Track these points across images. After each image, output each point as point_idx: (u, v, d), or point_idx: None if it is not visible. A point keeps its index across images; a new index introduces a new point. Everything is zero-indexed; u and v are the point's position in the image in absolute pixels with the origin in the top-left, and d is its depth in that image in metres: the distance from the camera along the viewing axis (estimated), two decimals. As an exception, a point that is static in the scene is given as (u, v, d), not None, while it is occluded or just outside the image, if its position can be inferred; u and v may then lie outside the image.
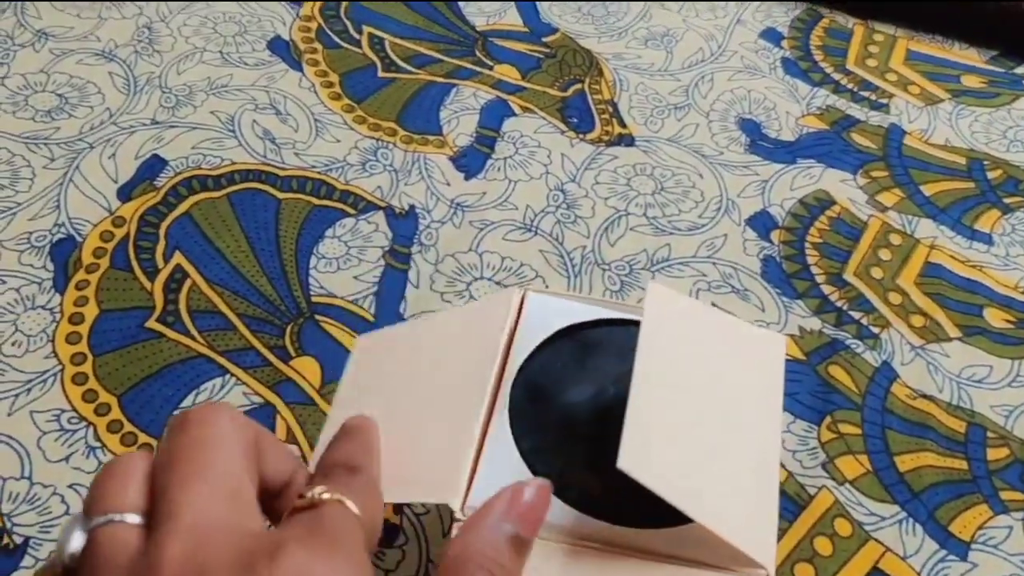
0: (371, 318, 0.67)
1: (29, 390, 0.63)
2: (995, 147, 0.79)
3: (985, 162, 0.78)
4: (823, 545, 0.58)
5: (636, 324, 0.46)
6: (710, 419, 0.45)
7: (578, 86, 0.82)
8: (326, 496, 0.35)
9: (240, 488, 0.34)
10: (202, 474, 0.33)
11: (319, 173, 0.75)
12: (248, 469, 0.35)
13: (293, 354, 0.65)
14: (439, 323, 0.51)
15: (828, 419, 0.63)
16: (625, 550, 0.43)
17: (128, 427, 0.61)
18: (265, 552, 0.31)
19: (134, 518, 0.32)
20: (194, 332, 0.66)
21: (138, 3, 0.87)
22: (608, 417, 0.45)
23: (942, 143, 0.80)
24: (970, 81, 0.84)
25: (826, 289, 0.70)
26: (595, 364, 0.48)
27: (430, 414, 0.46)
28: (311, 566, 0.31)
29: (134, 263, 0.69)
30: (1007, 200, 0.76)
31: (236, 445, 0.35)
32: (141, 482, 0.33)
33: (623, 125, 0.80)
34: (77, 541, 0.32)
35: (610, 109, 0.81)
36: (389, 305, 0.67)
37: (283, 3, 0.89)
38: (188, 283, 0.68)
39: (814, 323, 0.68)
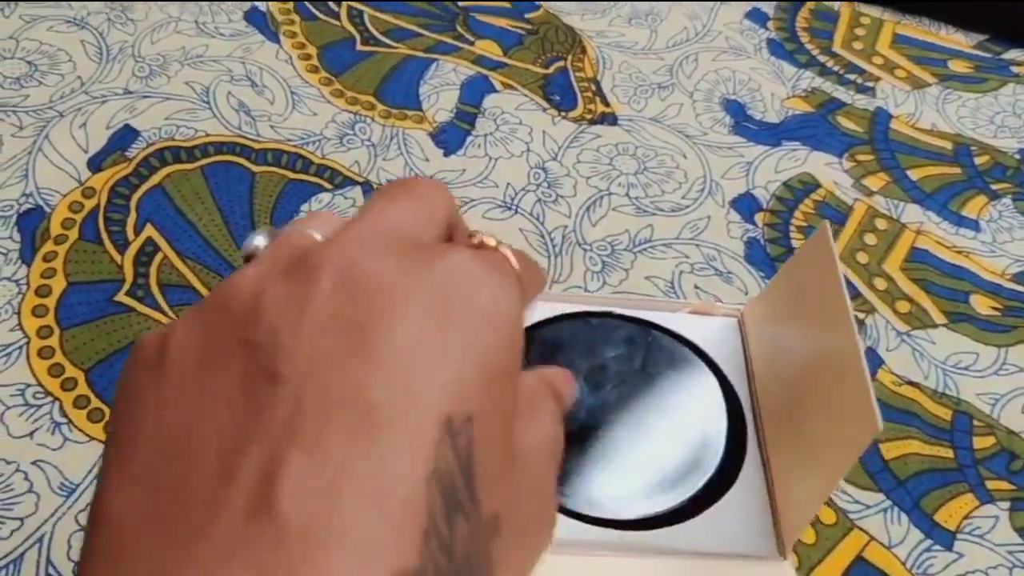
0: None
1: (-7, 364, 0.61)
2: (982, 132, 0.78)
3: (972, 147, 0.77)
4: (806, 534, 0.57)
5: (596, 316, 0.45)
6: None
7: (560, 63, 0.81)
8: (492, 242, 0.33)
9: (431, 229, 0.32)
10: (401, 202, 0.31)
11: (295, 147, 0.73)
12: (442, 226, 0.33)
13: (267, 331, 0.63)
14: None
15: (812, 405, 0.62)
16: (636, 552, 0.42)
17: (95, 402, 0.60)
18: (431, 247, 0.29)
19: (320, 233, 0.30)
20: (164, 306, 0.64)
21: (111, -30, 0.85)
22: (589, 418, 0.45)
23: (929, 128, 0.79)
24: (957, 66, 0.83)
25: (811, 273, 0.69)
26: (565, 362, 0.47)
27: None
28: (475, 269, 0.29)
29: (104, 235, 0.67)
30: (994, 186, 0.75)
31: (444, 204, 0.33)
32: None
33: (606, 104, 0.78)
34: (260, 239, 0.32)
35: (593, 87, 0.79)
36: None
37: (260, -27, 0.87)
38: (159, 256, 0.66)
39: (799, 307, 0.67)
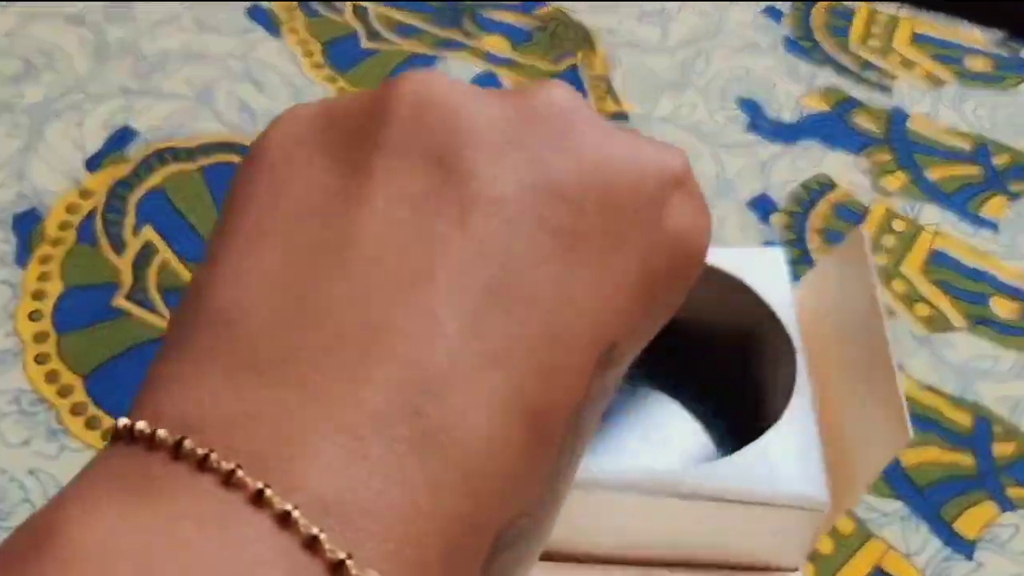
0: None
1: (-13, 369, 0.60)
2: (1001, 132, 0.77)
3: (991, 147, 0.76)
4: (824, 543, 0.56)
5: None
6: None
7: (571, 60, 0.80)
8: None
9: None
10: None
11: (298, 146, 0.72)
12: None
13: (268, 335, 0.62)
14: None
15: (829, 411, 0.61)
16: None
17: (93, 410, 0.58)
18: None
19: None
20: (163, 310, 0.63)
21: (112, -33, 0.84)
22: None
23: (947, 127, 0.77)
24: (976, 64, 0.82)
25: (827, 275, 0.67)
26: None
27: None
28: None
29: (101, 237, 0.66)
30: (1013, 187, 0.73)
31: None
32: None
33: (617, 102, 0.77)
34: None
35: (604, 85, 0.78)
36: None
37: (264, -30, 0.86)
38: (158, 259, 0.65)
39: (814, 310, 0.65)
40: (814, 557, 0.55)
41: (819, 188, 0.72)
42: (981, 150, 0.75)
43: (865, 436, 0.40)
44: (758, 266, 0.47)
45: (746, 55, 0.81)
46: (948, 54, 0.83)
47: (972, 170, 0.74)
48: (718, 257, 0.48)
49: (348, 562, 0.17)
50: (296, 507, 0.17)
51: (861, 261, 0.43)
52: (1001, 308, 0.66)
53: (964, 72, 0.81)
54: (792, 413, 0.43)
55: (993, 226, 0.71)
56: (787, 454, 0.41)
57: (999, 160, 0.75)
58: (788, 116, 0.77)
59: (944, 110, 0.78)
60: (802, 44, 0.83)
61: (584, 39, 0.82)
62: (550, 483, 0.21)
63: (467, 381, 0.19)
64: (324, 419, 0.18)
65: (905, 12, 0.86)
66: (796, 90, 0.79)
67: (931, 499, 0.58)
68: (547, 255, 0.21)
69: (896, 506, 0.57)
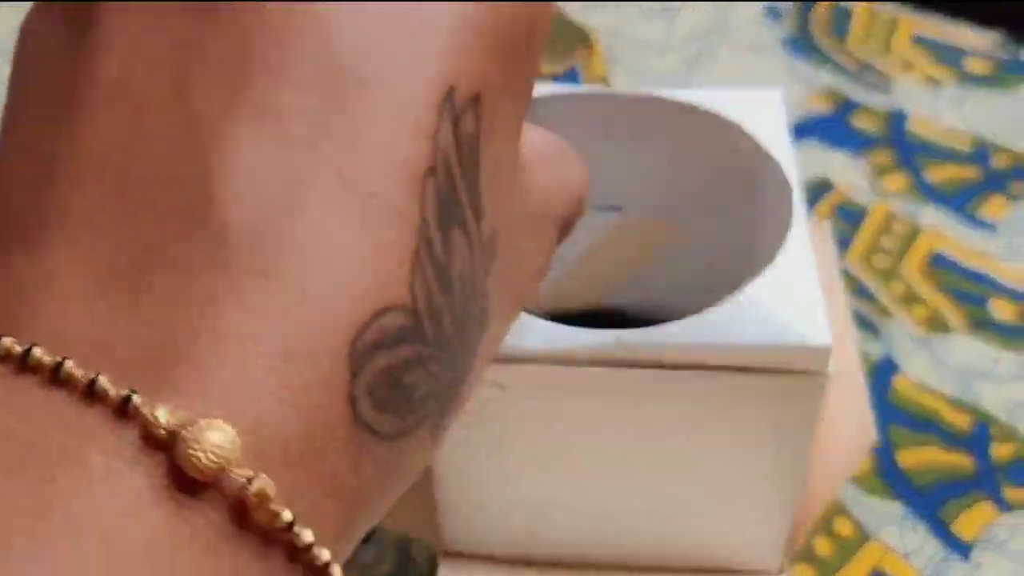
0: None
1: None
2: (1001, 133, 0.77)
3: (990, 148, 0.76)
4: (822, 545, 0.56)
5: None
6: None
7: (569, 60, 0.80)
8: None
9: None
10: None
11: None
12: None
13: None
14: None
15: (828, 412, 0.61)
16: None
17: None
18: None
19: None
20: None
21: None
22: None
23: (946, 128, 0.77)
24: (975, 65, 0.82)
25: (826, 276, 0.67)
26: None
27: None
28: None
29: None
30: (1013, 188, 0.73)
31: None
32: None
33: (617, 103, 0.77)
34: None
35: (603, 85, 0.78)
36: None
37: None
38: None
39: (813, 311, 0.65)
40: (812, 559, 0.55)
41: (818, 189, 0.72)
42: (980, 151, 0.75)
43: (834, 436, 0.40)
44: (754, 109, 0.46)
45: (746, 55, 0.82)
46: (948, 55, 0.83)
47: (971, 171, 0.74)
48: (713, 99, 0.46)
49: (135, 398, 0.16)
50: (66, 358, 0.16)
51: (826, 252, 0.42)
52: (1000, 310, 0.66)
53: (964, 73, 0.81)
54: (787, 254, 0.38)
55: (992, 228, 0.71)
56: (785, 299, 0.37)
57: (999, 161, 0.75)
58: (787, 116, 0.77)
59: (944, 111, 0.78)
60: (801, 45, 0.83)
61: (583, 39, 0.82)
62: (421, 266, 0.18)
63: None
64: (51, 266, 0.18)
65: (905, 13, 0.86)
66: (795, 91, 0.79)
67: (929, 500, 0.58)
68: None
69: (894, 507, 0.58)
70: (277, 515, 0.16)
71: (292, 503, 0.17)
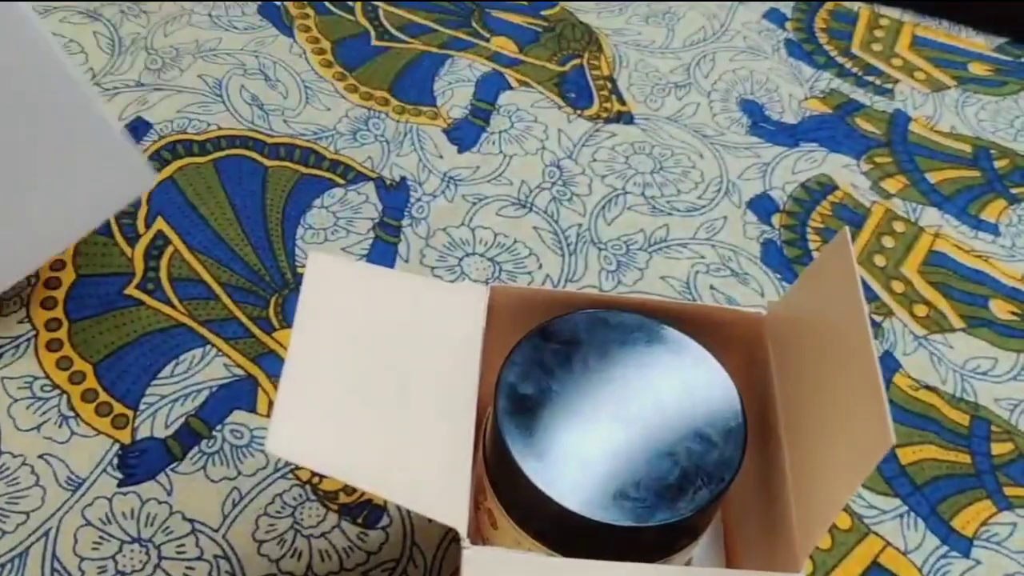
0: (359, 291, 0.64)
1: (1, 355, 0.60)
2: (1002, 136, 0.77)
3: (992, 151, 0.76)
4: (823, 540, 0.56)
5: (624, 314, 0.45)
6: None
7: (576, 61, 0.80)
8: None
9: None
10: None
11: (308, 141, 0.72)
12: None
13: (276, 326, 0.63)
14: (403, 291, 0.47)
15: (829, 408, 0.61)
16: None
17: (104, 396, 0.59)
18: None
19: None
20: (175, 300, 0.63)
21: (125, -37, 0.85)
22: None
23: (948, 130, 0.78)
24: (977, 68, 0.82)
25: (828, 275, 0.68)
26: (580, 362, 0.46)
27: (419, 408, 0.43)
28: None
29: (114, 228, 0.66)
30: (1014, 190, 0.74)
31: None
32: None
33: (622, 102, 0.77)
34: None
35: (609, 85, 0.79)
36: (378, 279, 0.65)
37: (275, -32, 0.86)
38: (170, 250, 0.66)
39: (815, 309, 0.66)
40: (812, 553, 0.56)
41: (820, 189, 0.73)
42: (982, 153, 0.76)
43: (849, 439, 0.40)
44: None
45: (750, 57, 0.82)
46: (950, 58, 0.83)
47: (973, 173, 0.75)
48: None
49: None
50: None
51: (846, 262, 0.43)
52: (1000, 309, 0.67)
53: (966, 76, 0.82)
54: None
55: (993, 228, 0.71)
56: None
57: (1000, 164, 0.75)
58: (790, 118, 0.77)
59: (946, 114, 0.79)
60: (805, 47, 0.83)
61: (591, 40, 0.82)
62: None
63: None
64: None
65: (908, 17, 0.87)
66: (799, 92, 0.80)
67: (929, 497, 0.59)
68: None
69: (894, 503, 0.58)
70: None
71: None
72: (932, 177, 0.74)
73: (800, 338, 0.46)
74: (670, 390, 0.45)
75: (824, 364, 0.44)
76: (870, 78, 0.81)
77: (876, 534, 0.57)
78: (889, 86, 0.81)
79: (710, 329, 0.49)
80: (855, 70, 0.82)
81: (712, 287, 0.66)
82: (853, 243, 0.69)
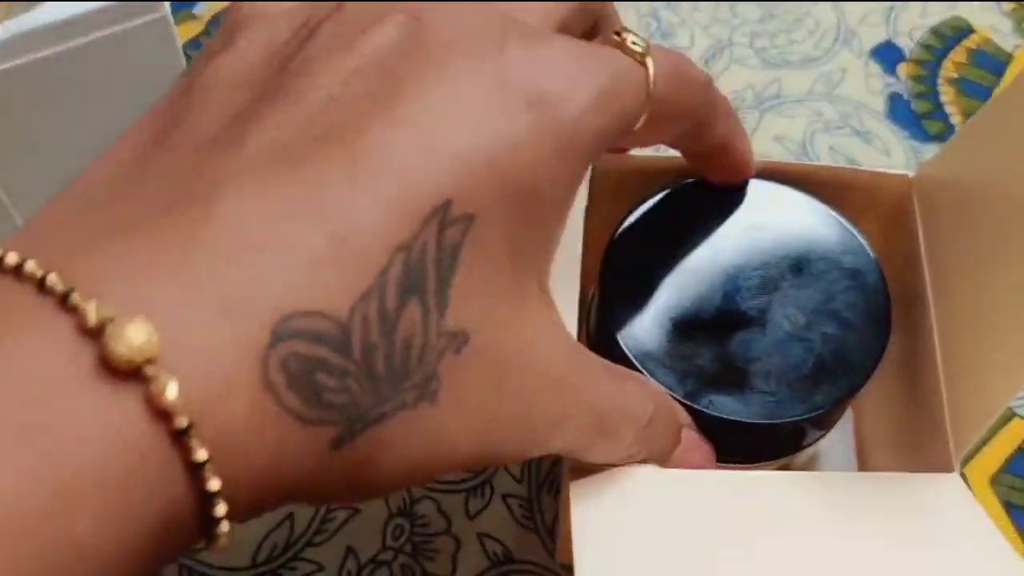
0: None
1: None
2: None
3: None
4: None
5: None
6: None
7: None
8: (638, 47, 0.29)
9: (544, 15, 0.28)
10: None
11: None
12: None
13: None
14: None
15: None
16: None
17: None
18: (530, 30, 0.26)
19: None
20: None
21: None
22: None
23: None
24: None
25: (963, 131, 0.61)
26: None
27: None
28: (567, 69, 0.26)
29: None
30: None
31: None
32: None
33: None
34: None
35: None
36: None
37: None
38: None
39: (950, 169, 0.60)
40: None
41: (954, 34, 0.66)
42: None
43: (1017, 323, 0.34)
44: None
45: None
46: None
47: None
48: None
49: (74, 295, 0.19)
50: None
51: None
52: None
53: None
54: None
55: None
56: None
57: None
58: None
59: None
60: None
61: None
62: (365, 303, 0.22)
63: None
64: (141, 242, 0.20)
65: None
66: None
67: None
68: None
69: None
70: (172, 419, 0.19)
71: (198, 415, 0.19)
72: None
73: (958, 205, 0.40)
74: (801, 266, 0.39)
75: (988, 238, 0.37)
76: None
77: (1022, 417, 0.52)
78: None
79: (845, 195, 0.42)
80: None
81: (831, 147, 0.60)
82: (994, 94, 0.62)
